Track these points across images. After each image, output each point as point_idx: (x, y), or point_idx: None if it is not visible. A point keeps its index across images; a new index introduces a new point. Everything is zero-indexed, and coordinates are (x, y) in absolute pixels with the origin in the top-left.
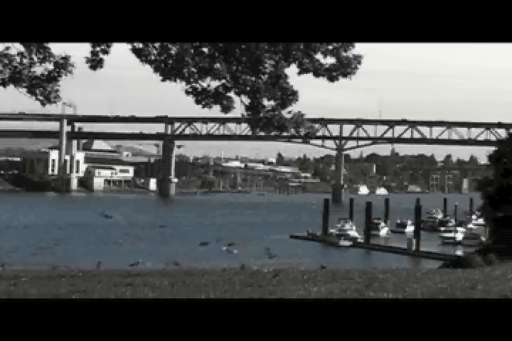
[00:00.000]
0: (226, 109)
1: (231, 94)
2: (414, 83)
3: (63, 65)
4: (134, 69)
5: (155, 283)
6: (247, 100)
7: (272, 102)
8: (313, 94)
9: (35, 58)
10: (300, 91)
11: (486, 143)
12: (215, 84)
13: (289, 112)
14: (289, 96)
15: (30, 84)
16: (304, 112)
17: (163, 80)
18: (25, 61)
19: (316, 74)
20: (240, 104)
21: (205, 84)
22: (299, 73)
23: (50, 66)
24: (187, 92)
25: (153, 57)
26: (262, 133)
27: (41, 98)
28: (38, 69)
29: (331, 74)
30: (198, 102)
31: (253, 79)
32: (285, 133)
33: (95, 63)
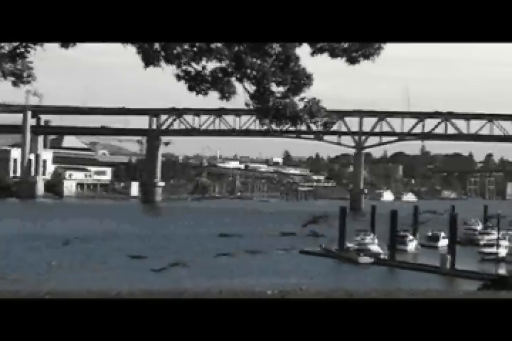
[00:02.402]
0: (226, 95)
1: (232, 79)
2: (448, 71)
3: None
4: (114, 53)
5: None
6: (251, 87)
7: (282, 88)
8: (327, 84)
9: None
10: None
11: None
12: (211, 66)
13: (302, 99)
14: (301, 80)
15: None
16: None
17: (146, 66)
18: None
19: (333, 55)
20: (242, 91)
21: (199, 67)
22: (313, 53)
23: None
24: (178, 77)
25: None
26: (273, 127)
27: (12, 78)
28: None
29: (351, 55)
30: (191, 88)
31: (259, 61)
32: (292, 128)
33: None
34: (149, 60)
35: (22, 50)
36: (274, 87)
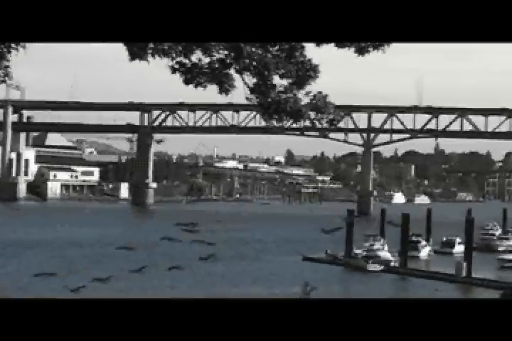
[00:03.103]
0: (226, 89)
1: (231, 71)
2: (464, 61)
3: None
4: (103, 45)
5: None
6: (251, 79)
7: (285, 81)
8: (333, 77)
9: None
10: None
11: None
12: (207, 58)
13: (307, 94)
14: (306, 72)
15: None
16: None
17: (132, 59)
18: None
19: (340, 45)
20: (242, 85)
21: (195, 58)
22: (318, 43)
23: None
24: (173, 69)
25: None
26: (274, 123)
27: None
28: None
29: (360, 44)
30: (187, 82)
31: (259, 51)
32: (295, 124)
33: None
34: (136, 53)
35: (3, 49)
36: (276, 80)
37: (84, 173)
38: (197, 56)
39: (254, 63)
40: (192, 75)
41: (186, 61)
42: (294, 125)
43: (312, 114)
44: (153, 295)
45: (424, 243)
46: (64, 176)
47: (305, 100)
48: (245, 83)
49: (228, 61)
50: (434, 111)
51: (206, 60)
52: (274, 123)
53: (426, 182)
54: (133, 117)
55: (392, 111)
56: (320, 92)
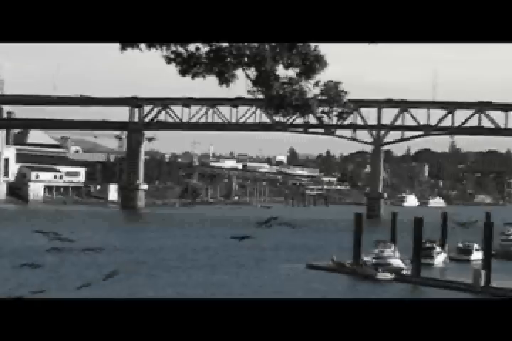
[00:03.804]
0: (226, 79)
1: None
2: (481, 52)
3: None
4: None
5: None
6: (253, 71)
7: (291, 71)
8: (338, 67)
9: None
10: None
11: None
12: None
13: (316, 83)
14: (313, 61)
15: None
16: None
17: (123, 48)
18: None
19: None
20: (242, 75)
21: (192, 48)
22: (319, 42)
23: None
24: (168, 60)
25: None
26: (276, 119)
27: None
28: None
29: None
30: (184, 72)
31: (255, 44)
32: (299, 120)
33: None
34: (127, 42)
35: None
36: (282, 70)
37: (69, 174)
38: (194, 45)
39: (246, 59)
40: (189, 65)
41: (183, 50)
42: (298, 121)
43: (323, 106)
44: (153, 295)
45: (438, 249)
46: (47, 177)
47: (314, 91)
48: (247, 75)
49: (221, 54)
50: (450, 106)
51: (205, 49)
52: (277, 118)
53: (441, 183)
54: (122, 113)
55: (404, 105)
56: (330, 81)
